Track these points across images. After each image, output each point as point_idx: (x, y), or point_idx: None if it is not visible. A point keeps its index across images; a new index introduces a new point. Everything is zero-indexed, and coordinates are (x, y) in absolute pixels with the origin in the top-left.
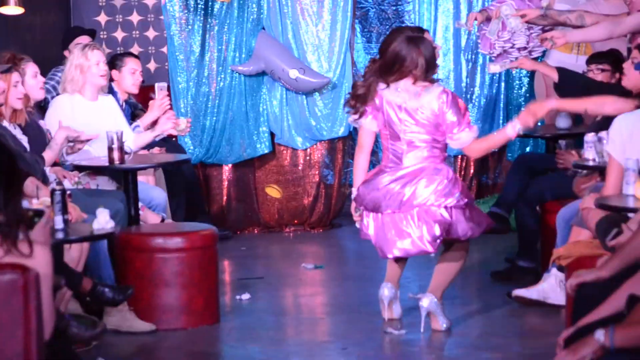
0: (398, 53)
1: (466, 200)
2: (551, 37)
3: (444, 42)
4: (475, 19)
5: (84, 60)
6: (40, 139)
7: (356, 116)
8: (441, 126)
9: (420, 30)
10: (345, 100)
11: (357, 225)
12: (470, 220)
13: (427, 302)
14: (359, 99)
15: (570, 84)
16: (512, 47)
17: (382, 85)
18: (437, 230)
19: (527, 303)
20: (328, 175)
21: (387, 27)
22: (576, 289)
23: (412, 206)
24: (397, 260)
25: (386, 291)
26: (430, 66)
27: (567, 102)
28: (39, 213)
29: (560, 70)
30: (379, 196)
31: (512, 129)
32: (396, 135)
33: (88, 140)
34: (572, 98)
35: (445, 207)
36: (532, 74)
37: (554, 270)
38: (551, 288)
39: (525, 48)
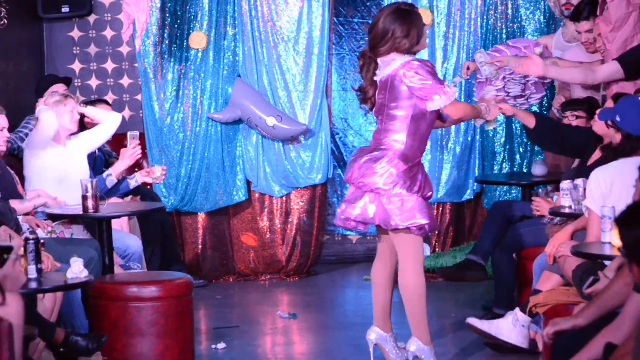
0: (387, 25)
1: (397, 191)
2: (530, 59)
3: None
4: (468, 68)
5: (60, 106)
6: (10, 188)
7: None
8: (413, 97)
9: (411, 5)
10: (359, 100)
11: None
12: (400, 212)
13: (413, 346)
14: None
15: (545, 129)
16: (507, 96)
17: (377, 73)
18: (349, 211)
19: (477, 332)
20: (306, 223)
21: None
22: (553, 337)
23: (350, 181)
24: (378, 296)
25: (372, 335)
26: (418, 38)
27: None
28: (8, 249)
29: (538, 116)
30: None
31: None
32: (375, 111)
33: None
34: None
35: (372, 190)
36: (508, 122)
37: (516, 310)
38: (506, 325)
39: (522, 96)
